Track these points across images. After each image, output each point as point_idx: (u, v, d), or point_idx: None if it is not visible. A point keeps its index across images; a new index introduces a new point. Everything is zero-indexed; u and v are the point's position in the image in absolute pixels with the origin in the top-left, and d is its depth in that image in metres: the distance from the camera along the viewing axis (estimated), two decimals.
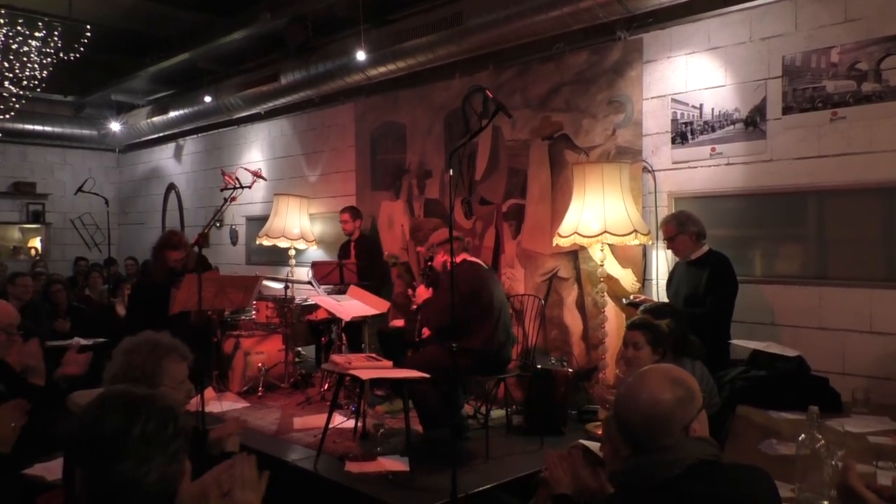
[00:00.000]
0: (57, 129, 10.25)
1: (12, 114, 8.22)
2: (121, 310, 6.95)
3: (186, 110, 8.75)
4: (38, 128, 10.04)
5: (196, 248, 4.53)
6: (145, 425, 1.35)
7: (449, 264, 4.27)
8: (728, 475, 1.63)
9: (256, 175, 5.34)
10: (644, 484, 1.59)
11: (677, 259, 4.40)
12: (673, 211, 4.61)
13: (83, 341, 5.38)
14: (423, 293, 4.50)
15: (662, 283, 4.70)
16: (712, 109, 4.62)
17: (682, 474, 1.56)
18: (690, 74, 4.73)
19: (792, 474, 2.19)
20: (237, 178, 5.04)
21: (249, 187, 5.14)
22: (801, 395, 3.10)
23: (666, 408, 1.61)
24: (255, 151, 8.67)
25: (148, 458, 1.34)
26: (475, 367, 4.25)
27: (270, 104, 7.79)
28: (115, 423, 1.35)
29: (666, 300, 4.40)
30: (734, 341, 3.87)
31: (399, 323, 5.14)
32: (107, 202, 6.94)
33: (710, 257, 4.17)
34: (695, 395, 1.66)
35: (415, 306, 4.70)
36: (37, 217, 10.76)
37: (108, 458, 1.33)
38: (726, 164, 4.56)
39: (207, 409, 4.72)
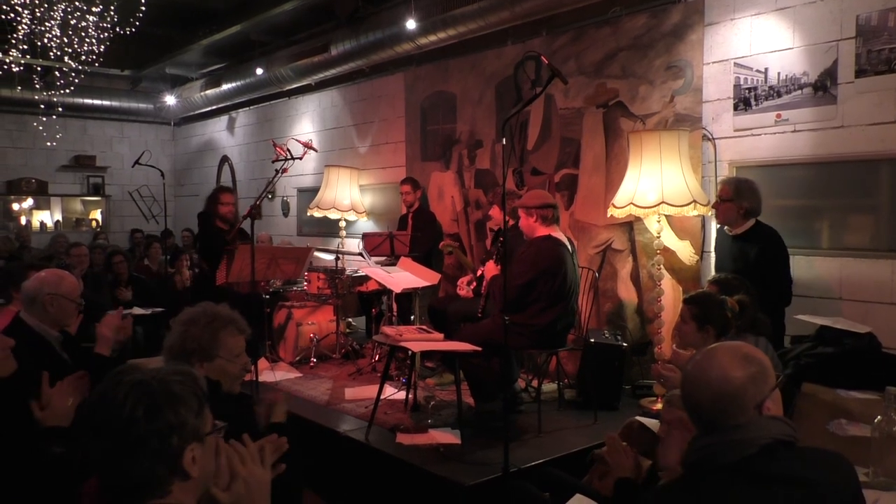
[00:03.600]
0: (115, 103, 10.47)
1: (72, 88, 8.42)
2: (179, 281, 7.11)
3: (239, 83, 8.80)
4: (97, 102, 10.27)
5: (249, 220, 4.60)
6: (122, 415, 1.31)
7: (538, 230, 4.23)
8: (806, 457, 1.55)
9: (307, 146, 5.35)
10: (714, 465, 1.51)
11: (720, 227, 4.23)
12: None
13: (141, 311, 5.53)
14: (491, 269, 4.32)
15: None
16: (778, 74, 4.39)
17: (755, 454, 1.49)
18: (755, 37, 4.50)
19: (865, 457, 2.09)
20: (288, 150, 5.05)
21: (300, 158, 5.16)
22: (873, 374, 2.96)
23: (737, 385, 1.53)
24: (306, 123, 8.69)
25: (119, 449, 1.30)
26: (531, 343, 4.19)
27: (321, 75, 7.77)
28: (109, 404, 1.33)
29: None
30: (800, 316, 3.70)
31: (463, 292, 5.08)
32: (162, 174, 7.05)
33: (759, 231, 3.98)
34: (768, 373, 1.57)
35: (484, 285, 4.62)
36: (97, 189, 11.08)
37: (90, 435, 1.33)
38: (793, 132, 4.34)
39: (261, 378, 4.81)
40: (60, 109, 8.93)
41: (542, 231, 4.23)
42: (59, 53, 7.37)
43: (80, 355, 2.96)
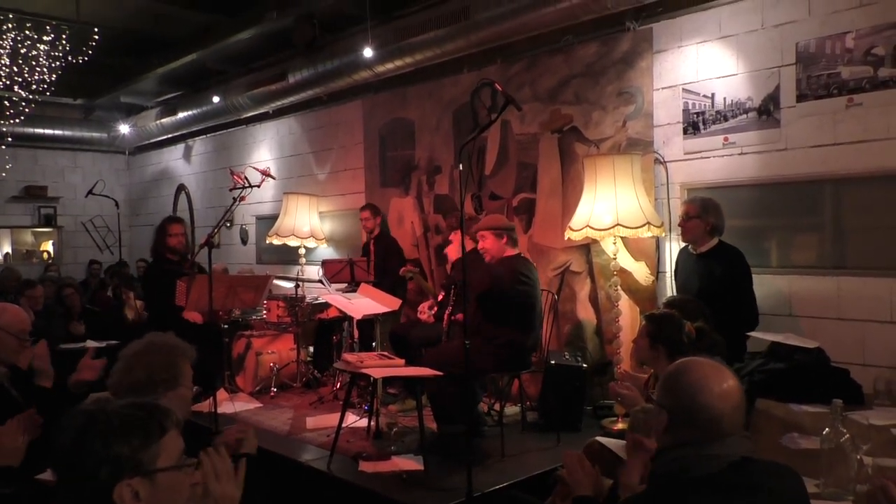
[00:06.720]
0: (67, 133, 10.27)
1: (22, 118, 8.25)
2: (129, 313, 6.96)
3: (195, 111, 8.74)
4: (48, 131, 10.06)
5: (207, 248, 4.54)
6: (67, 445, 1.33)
7: (507, 251, 4.31)
8: (764, 469, 1.62)
9: (265, 174, 5.32)
10: (685, 477, 1.56)
11: (683, 245, 4.33)
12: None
13: (95, 344, 5.40)
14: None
15: None
16: (724, 99, 4.55)
17: (725, 469, 1.55)
18: (702, 64, 4.66)
19: (816, 469, 2.15)
20: (246, 178, 5.02)
21: (258, 186, 5.13)
22: (822, 388, 3.04)
23: (738, 399, 1.62)
24: (264, 150, 8.66)
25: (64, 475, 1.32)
26: (496, 366, 4.21)
27: (278, 103, 7.77)
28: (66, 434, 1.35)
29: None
30: (753, 333, 3.80)
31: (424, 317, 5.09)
32: (117, 204, 6.94)
33: (724, 249, 4.11)
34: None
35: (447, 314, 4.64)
36: (48, 220, 10.80)
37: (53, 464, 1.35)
38: (739, 154, 4.49)
39: (220, 410, 4.72)
40: (10, 139, 8.73)
41: (510, 251, 4.32)
42: (8, 83, 7.23)
43: (32, 391, 2.88)
